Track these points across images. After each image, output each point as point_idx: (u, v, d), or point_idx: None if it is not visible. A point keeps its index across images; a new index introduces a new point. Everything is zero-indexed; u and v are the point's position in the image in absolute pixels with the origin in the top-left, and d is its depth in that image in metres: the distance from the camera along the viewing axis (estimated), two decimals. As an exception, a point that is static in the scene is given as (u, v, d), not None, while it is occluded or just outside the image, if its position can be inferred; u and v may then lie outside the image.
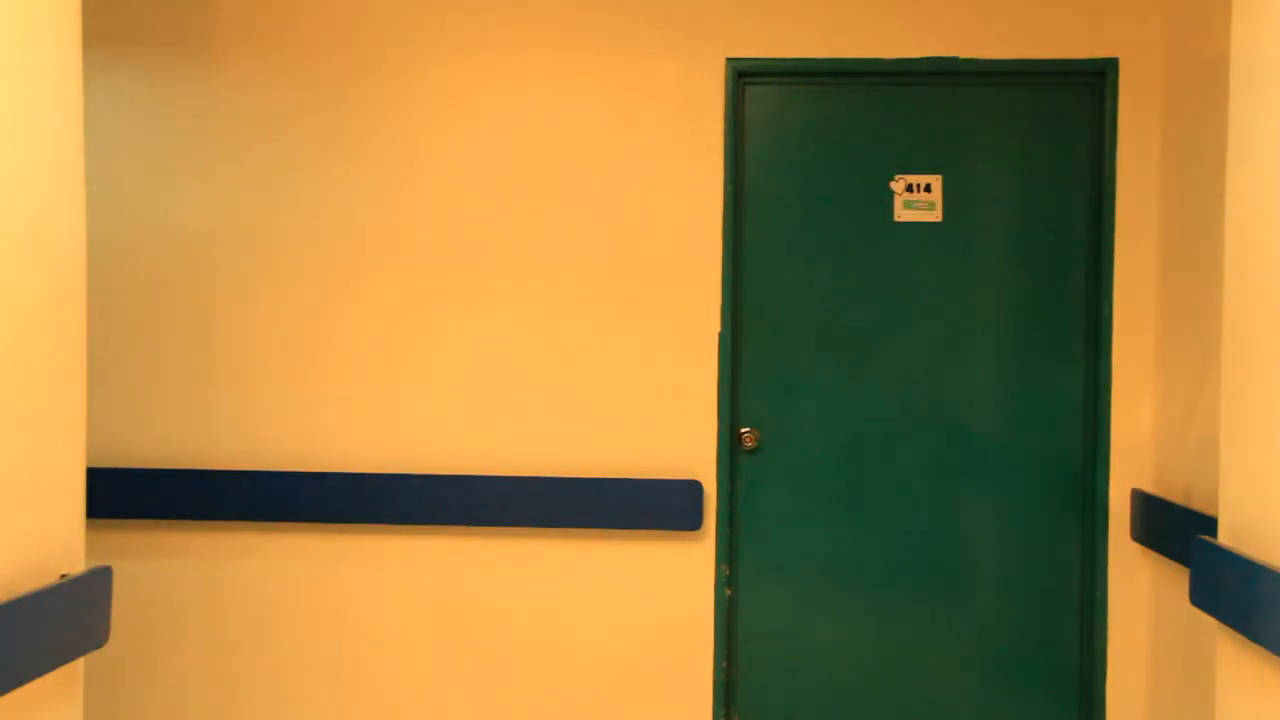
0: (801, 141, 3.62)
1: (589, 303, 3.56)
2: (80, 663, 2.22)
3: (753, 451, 3.58)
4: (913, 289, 3.57)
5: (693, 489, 3.50)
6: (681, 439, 3.53)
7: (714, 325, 3.54)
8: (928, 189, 3.56)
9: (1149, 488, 3.40)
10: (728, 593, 3.57)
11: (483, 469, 3.54)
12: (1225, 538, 2.24)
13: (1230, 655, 2.19)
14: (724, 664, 3.56)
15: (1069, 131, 3.55)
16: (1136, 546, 3.44)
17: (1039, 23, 3.49)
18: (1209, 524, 2.45)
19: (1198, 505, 3.02)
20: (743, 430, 3.57)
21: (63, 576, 2.12)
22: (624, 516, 3.51)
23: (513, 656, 3.57)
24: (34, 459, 2.05)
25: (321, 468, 3.57)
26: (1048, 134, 3.56)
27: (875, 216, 3.57)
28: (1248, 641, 2.09)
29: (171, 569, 3.62)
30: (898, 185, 3.57)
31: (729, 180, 3.53)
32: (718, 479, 3.54)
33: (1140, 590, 3.46)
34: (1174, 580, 3.15)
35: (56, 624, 2.08)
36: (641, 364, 3.54)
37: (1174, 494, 3.22)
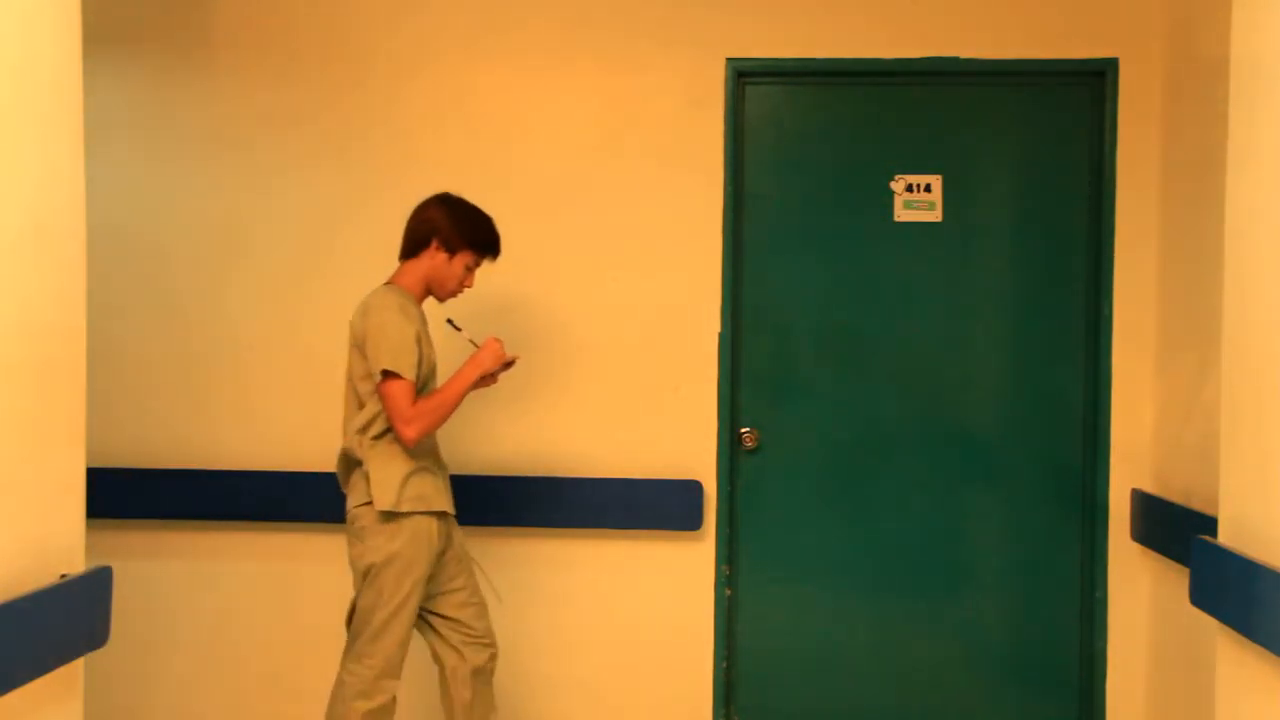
0: (801, 141, 3.62)
1: (588, 302, 3.55)
2: (80, 663, 2.21)
3: (753, 451, 3.58)
4: (913, 289, 3.56)
5: (693, 489, 3.50)
6: (681, 439, 3.53)
7: (714, 325, 3.54)
8: (928, 189, 3.56)
9: (1149, 488, 3.40)
10: (728, 593, 3.57)
11: (482, 469, 3.54)
12: (1225, 538, 2.24)
13: (1230, 655, 2.19)
14: (724, 664, 3.56)
15: (1069, 131, 3.55)
16: (1136, 546, 3.44)
17: (1039, 23, 3.49)
18: (1209, 524, 2.45)
19: (1198, 505, 3.02)
20: (743, 430, 3.57)
21: (63, 576, 2.12)
22: (624, 516, 3.51)
23: (513, 656, 3.57)
24: (34, 459, 2.04)
25: (322, 468, 3.56)
26: (1048, 134, 3.56)
27: (875, 216, 3.56)
28: (1248, 641, 2.09)
29: (171, 569, 3.62)
30: (898, 185, 3.57)
31: (729, 180, 3.53)
32: (718, 479, 3.53)
33: (1140, 590, 3.45)
34: (1174, 580, 3.15)
35: (56, 624, 2.08)
36: (641, 364, 3.54)
37: (1174, 494, 3.22)
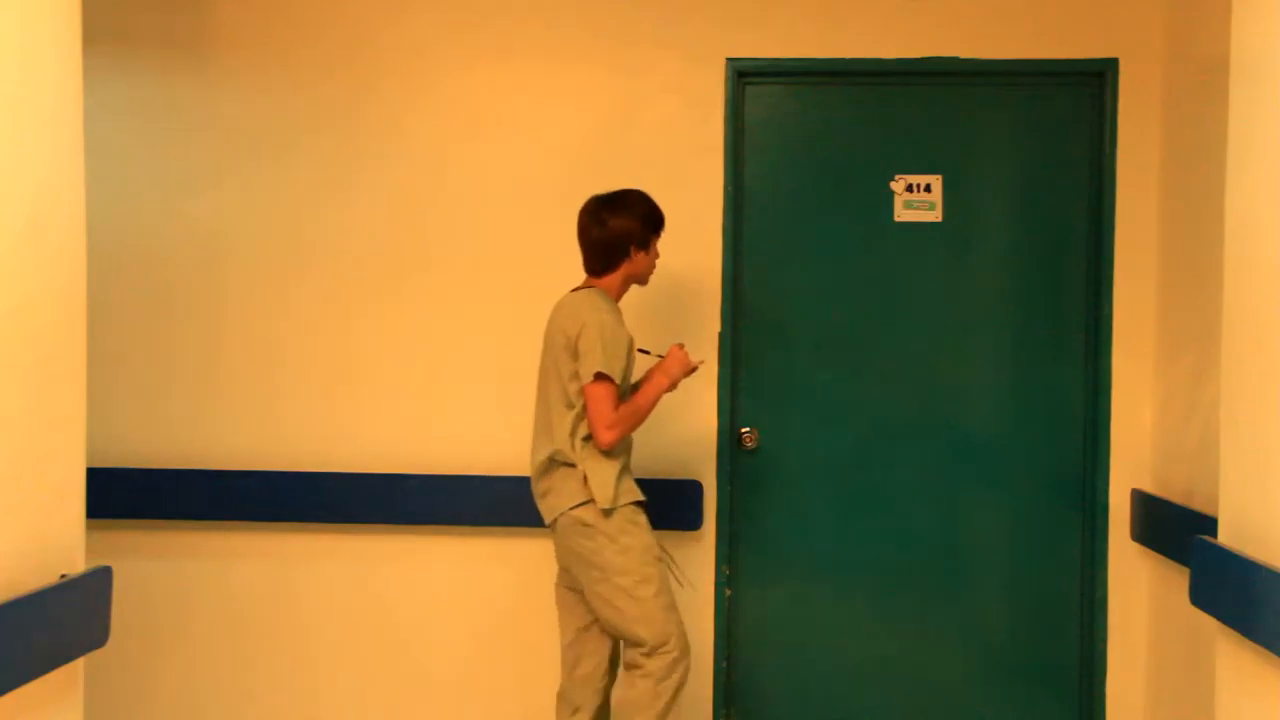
0: (801, 141, 3.62)
1: (589, 303, 3.55)
2: (80, 663, 2.21)
3: (753, 451, 3.58)
4: (913, 289, 3.56)
5: (693, 489, 3.50)
6: (681, 439, 3.53)
7: (714, 325, 3.54)
8: (928, 189, 3.56)
9: (1149, 488, 3.40)
10: (727, 593, 3.57)
11: (483, 469, 3.54)
12: (1225, 538, 2.24)
13: (1230, 655, 2.19)
14: (724, 664, 3.56)
15: (1069, 131, 3.55)
16: (1136, 546, 3.44)
17: (1039, 23, 3.48)
18: (1209, 524, 2.45)
19: (1198, 505, 3.02)
20: (743, 430, 3.57)
21: (63, 576, 2.12)
22: (624, 516, 3.50)
23: (514, 655, 3.57)
24: (34, 459, 2.04)
25: (321, 468, 3.57)
26: (1048, 134, 3.56)
27: (875, 216, 3.56)
28: (1248, 641, 2.09)
29: (171, 569, 3.62)
30: (898, 185, 3.57)
31: (729, 180, 3.53)
32: (718, 479, 3.53)
33: (1140, 590, 3.45)
34: (1174, 580, 3.15)
35: (56, 624, 2.08)
36: (642, 364, 3.54)
37: (1174, 494, 3.22)
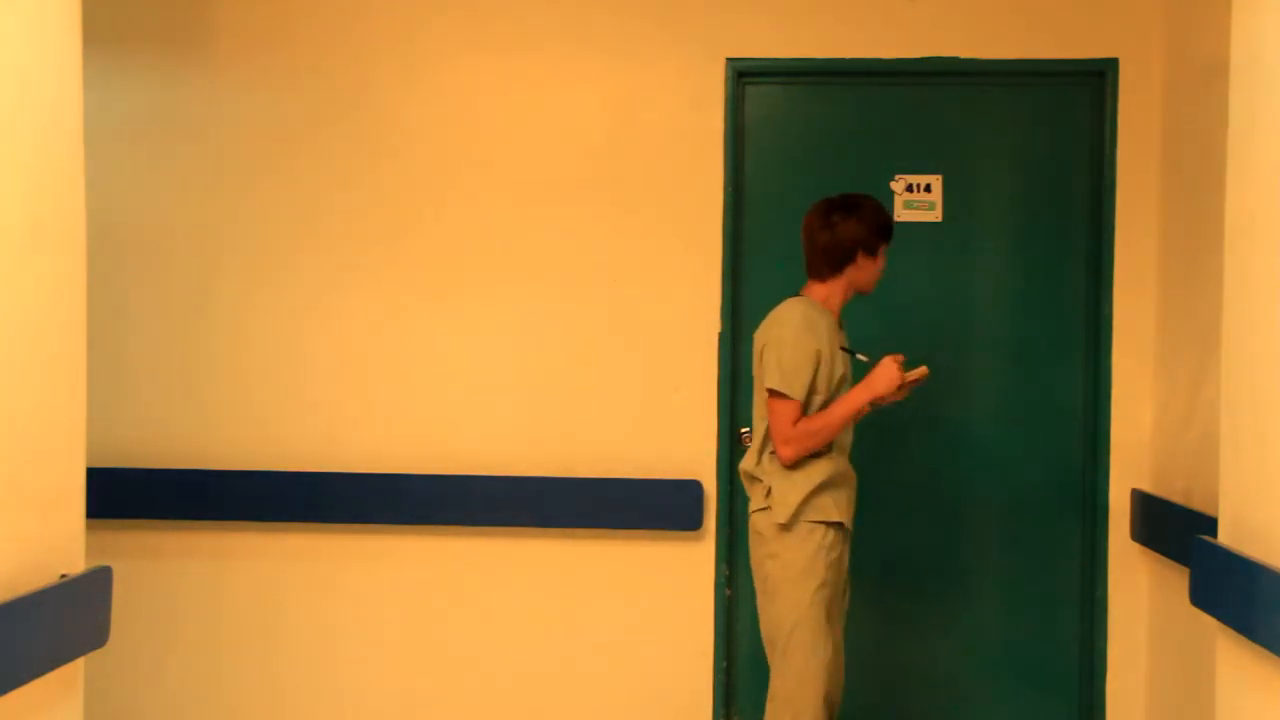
0: (801, 141, 3.62)
1: (589, 302, 3.55)
2: (80, 663, 2.21)
3: (753, 451, 3.57)
4: (912, 289, 3.56)
5: (693, 489, 3.50)
6: (681, 439, 3.53)
7: (714, 325, 3.54)
8: (928, 189, 3.56)
9: (1149, 488, 3.40)
10: (728, 593, 3.57)
11: (483, 469, 3.54)
12: (1225, 538, 2.24)
13: (1230, 655, 2.19)
14: (724, 664, 3.56)
15: (1069, 131, 3.55)
16: (1136, 546, 3.44)
17: (1039, 23, 3.49)
18: (1209, 524, 2.44)
19: (1198, 505, 3.02)
20: (743, 430, 3.57)
21: (63, 576, 2.12)
22: (624, 516, 3.50)
23: (513, 656, 3.57)
24: (34, 459, 2.04)
25: (321, 468, 3.57)
26: (1048, 134, 3.56)
27: (875, 216, 3.56)
28: (1248, 641, 2.09)
29: (171, 569, 3.61)
30: (898, 185, 3.57)
31: (729, 180, 3.53)
32: (718, 479, 3.53)
33: (1140, 590, 3.45)
34: (1174, 580, 3.15)
35: (56, 624, 2.08)
36: (641, 364, 3.54)
37: (1174, 494, 3.22)
